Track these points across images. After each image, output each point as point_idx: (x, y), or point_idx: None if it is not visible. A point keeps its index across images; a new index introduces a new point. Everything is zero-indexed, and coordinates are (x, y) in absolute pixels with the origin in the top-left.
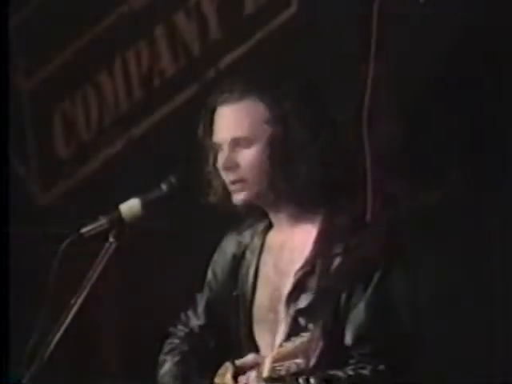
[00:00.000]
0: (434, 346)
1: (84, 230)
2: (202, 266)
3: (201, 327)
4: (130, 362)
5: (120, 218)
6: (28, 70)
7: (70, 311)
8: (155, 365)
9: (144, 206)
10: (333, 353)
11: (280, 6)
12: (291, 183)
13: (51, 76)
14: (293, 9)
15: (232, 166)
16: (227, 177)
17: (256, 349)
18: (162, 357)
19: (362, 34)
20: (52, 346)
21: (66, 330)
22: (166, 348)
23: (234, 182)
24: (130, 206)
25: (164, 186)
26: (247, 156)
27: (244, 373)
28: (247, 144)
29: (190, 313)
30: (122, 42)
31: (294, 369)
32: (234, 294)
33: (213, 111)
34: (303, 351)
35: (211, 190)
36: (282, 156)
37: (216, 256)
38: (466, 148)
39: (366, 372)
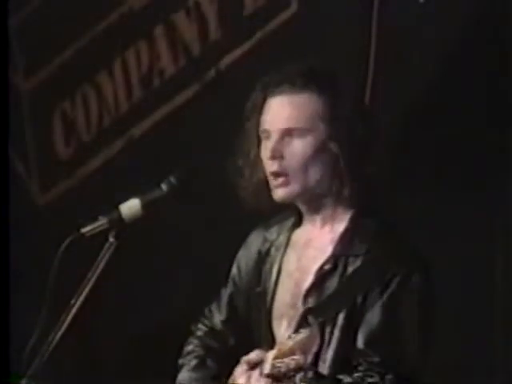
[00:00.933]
0: (433, 345)
1: (84, 230)
2: (202, 265)
3: (223, 322)
4: (130, 362)
5: (120, 218)
6: (28, 70)
7: (70, 311)
8: (155, 364)
9: (144, 205)
10: (345, 355)
11: (280, 6)
12: (357, 185)
13: (51, 76)
14: (293, 8)
15: (278, 156)
16: (271, 167)
17: (275, 345)
18: (180, 360)
19: (363, 34)
20: (52, 346)
21: (66, 330)
22: (185, 351)
23: (276, 175)
24: (130, 206)
25: (164, 186)
26: (295, 147)
27: (252, 369)
28: (298, 136)
29: (213, 307)
30: (121, 41)
31: (292, 365)
32: (257, 290)
33: (264, 99)
34: (301, 348)
35: (242, 183)
36: (348, 158)
37: (241, 251)
38: (467, 147)
39: (373, 380)
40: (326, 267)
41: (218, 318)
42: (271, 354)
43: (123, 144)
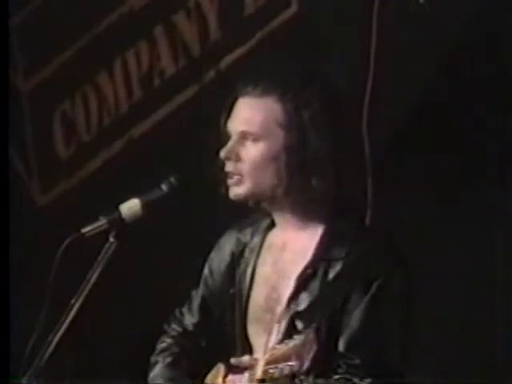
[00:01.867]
0: (433, 345)
1: (84, 230)
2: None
3: (194, 325)
4: (129, 362)
5: (120, 218)
6: (28, 70)
7: (70, 311)
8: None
9: (144, 205)
10: (325, 358)
11: (280, 6)
12: (303, 194)
13: (51, 76)
14: (293, 9)
15: (232, 157)
16: (226, 167)
17: (250, 348)
18: (153, 358)
19: (363, 34)
20: (52, 346)
21: (66, 330)
22: (158, 348)
23: (230, 175)
24: (130, 206)
25: (164, 186)
26: (251, 151)
27: (235, 372)
28: (254, 140)
29: (184, 310)
30: (121, 42)
31: (287, 371)
32: (231, 291)
33: (234, 100)
34: (297, 354)
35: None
36: (297, 165)
37: (213, 252)
38: (467, 147)
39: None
40: (308, 271)
41: (190, 320)
42: (263, 360)
43: (123, 144)
